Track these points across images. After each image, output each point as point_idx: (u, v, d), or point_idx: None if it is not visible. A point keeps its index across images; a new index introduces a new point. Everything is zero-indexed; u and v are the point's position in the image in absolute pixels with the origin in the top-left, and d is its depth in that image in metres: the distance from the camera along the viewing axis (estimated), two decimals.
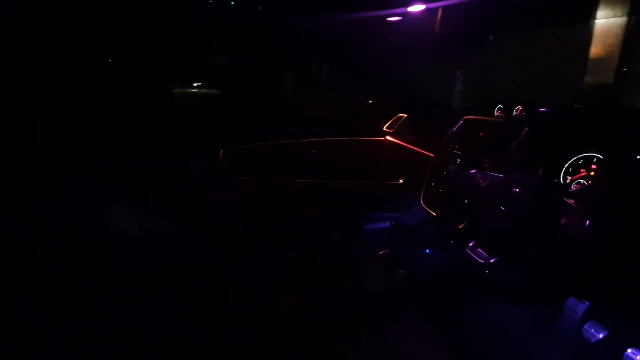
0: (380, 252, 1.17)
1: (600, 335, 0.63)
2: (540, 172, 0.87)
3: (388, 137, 1.78)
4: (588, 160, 0.85)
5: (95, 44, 1.28)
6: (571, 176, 0.89)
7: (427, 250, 1.16)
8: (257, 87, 2.68)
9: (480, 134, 1.04)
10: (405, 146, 1.64)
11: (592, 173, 0.83)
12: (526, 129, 0.91)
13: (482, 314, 0.95)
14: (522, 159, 0.85)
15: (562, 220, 0.66)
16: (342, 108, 2.85)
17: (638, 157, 0.71)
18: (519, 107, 1.08)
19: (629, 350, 0.58)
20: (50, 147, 0.86)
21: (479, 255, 0.79)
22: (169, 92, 1.56)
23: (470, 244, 0.83)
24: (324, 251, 1.24)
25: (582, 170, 0.87)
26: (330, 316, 0.94)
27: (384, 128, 1.82)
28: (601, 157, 0.81)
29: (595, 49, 5.06)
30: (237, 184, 1.66)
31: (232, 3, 1.36)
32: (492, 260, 0.75)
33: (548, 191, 0.73)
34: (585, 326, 0.63)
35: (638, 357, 0.59)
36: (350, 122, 2.11)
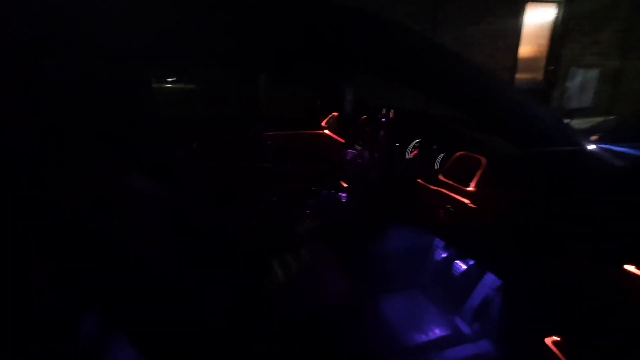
0: (307, 211, 1.73)
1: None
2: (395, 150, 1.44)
3: (325, 131, 2.33)
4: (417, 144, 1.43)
5: None
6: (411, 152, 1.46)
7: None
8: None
9: (367, 128, 1.60)
10: (336, 138, 2.19)
11: (416, 151, 1.41)
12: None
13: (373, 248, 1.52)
14: (377, 143, 1.41)
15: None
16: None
17: (434, 146, 1.29)
18: (392, 110, 1.63)
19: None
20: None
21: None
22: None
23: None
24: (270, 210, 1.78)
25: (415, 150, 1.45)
26: (267, 245, 1.48)
27: (323, 123, 2.36)
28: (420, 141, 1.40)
29: (524, 49, 5.87)
30: (208, 169, 2.16)
31: None
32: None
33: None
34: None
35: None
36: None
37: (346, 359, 1.18)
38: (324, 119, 2.41)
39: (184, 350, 0.85)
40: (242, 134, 2.32)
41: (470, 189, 1.06)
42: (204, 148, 2.20)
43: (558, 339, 0.81)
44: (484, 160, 1.06)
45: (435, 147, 1.35)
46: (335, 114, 2.30)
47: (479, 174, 1.05)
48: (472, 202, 1.05)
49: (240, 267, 1.33)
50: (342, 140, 2.01)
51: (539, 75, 5.68)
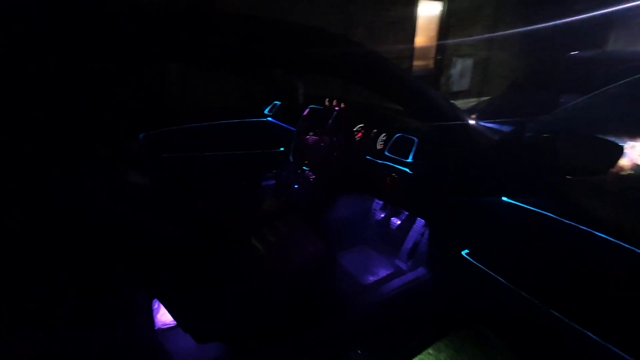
0: (270, 191, 1.99)
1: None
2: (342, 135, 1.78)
3: (269, 119, 2.55)
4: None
5: None
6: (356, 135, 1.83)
7: (295, 186, 2.02)
8: None
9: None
10: (283, 125, 2.45)
11: (361, 133, 1.78)
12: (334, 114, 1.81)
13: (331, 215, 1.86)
14: (333, 129, 1.74)
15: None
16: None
17: (375, 129, 1.66)
18: (335, 100, 1.96)
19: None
20: None
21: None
22: None
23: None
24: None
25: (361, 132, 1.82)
26: (243, 221, 1.71)
27: (266, 112, 2.58)
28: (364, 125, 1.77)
29: (419, 40, 6.75)
30: (159, 160, 2.21)
31: None
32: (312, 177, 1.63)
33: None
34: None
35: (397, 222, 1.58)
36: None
37: (322, 299, 1.52)
38: (265, 107, 2.63)
39: (201, 302, 1.08)
40: (188, 125, 2.40)
41: (408, 160, 1.47)
42: (151, 140, 2.23)
43: (469, 250, 1.28)
44: (416, 139, 1.48)
45: (375, 130, 1.73)
46: (277, 102, 2.54)
47: (413, 149, 1.46)
48: (410, 170, 1.46)
49: (221, 247, 1.54)
50: (292, 128, 2.28)
51: (431, 64, 6.69)
